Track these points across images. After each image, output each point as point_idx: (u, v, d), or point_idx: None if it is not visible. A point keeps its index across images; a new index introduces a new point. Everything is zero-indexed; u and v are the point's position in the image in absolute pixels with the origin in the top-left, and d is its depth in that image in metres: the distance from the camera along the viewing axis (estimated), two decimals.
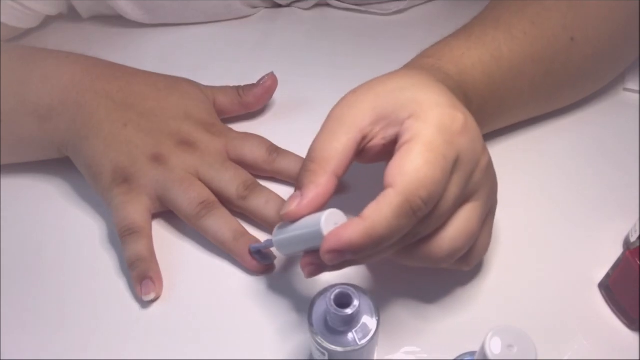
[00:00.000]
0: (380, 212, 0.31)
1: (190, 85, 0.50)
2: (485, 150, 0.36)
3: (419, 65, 0.42)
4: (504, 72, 0.43)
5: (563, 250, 0.43)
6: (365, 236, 0.31)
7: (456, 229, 0.35)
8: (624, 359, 0.38)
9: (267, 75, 0.51)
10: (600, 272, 0.41)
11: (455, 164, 0.33)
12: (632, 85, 0.52)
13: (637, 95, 0.52)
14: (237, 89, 0.51)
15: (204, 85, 0.51)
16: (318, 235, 0.33)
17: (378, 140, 0.35)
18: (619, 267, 0.38)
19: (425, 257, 0.35)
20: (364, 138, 0.35)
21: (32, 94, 0.45)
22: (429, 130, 0.33)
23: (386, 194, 0.32)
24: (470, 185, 0.35)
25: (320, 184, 0.34)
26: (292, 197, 0.35)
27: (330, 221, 0.33)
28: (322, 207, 0.34)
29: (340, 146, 0.35)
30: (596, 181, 0.47)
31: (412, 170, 0.32)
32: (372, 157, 0.36)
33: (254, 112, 0.52)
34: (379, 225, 0.31)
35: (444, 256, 0.35)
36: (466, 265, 0.38)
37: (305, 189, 0.34)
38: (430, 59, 0.42)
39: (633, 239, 0.41)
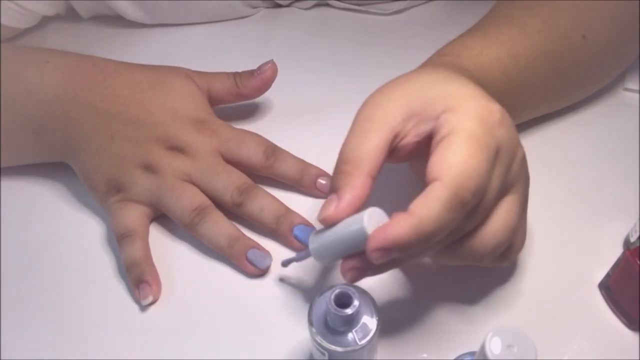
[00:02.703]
0: (429, 206, 0.31)
1: (179, 77, 0.47)
2: (520, 143, 0.35)
3: (438, 63, 0.41)
4: (520, 70, 0.43)
5: (563, 250, 0.43)
6: (414, 232, 0.30)
7: (498, 223, 0.34)
8: (624, 359, 0.38)
9: (267, 64, 0.48)
10: (600, 272, 0.41)
11: (497, 155, 0.33)
12: (632, 85, 0.52)
13: (637, 95, 0.52)
14: (235, 77, 0.48)
15: (197, 73, 0.48)
16: (361, 235, 0.32)
17: (411, 138, 0.35)
18: (619, 267, 0.38)
19: (469, 253, 0.34)
20: (396, 136, 0.35)
21: (20, 110, 0.45)
22: (469, 122, 0.32)
23: (434, 188, 0.31)
24: (509, 177, 0.34)
25: (357, 185, 0.33)
26: (328, 201, 0.34)
27: (373, 220, 0.32)
28: (359, 210, 0.33)
29: (373, 146, 0.34)
30: (596, 181, 0.47)
31: (458, 162, 0.31)
32: (405, 156, 0.36)
33: (253, 111, 0.52)
34: (428, 220, 0.31)
35: (488, 251, 0.34)
36: (506, 260, 0.37)
37: (342, 192, 0.34)
38: (448, 57, 0.42)
39: (633, 239, 0.41)
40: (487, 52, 0.42)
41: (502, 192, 0.34)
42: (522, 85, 0.44)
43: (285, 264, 0.40)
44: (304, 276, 0.42)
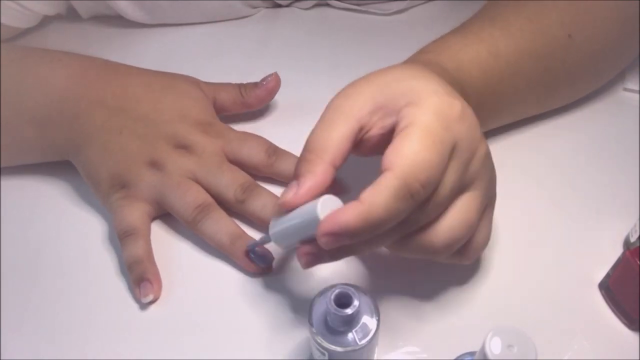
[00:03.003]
0: (378, 195, 0.31)
1: (187, 83, 0.49)
2: (482, 140, 0.36)
3: (416, 60, 0.42)
4: (501, 68, 0.43)
5: (563, 250, 0.43)
6: (362, 219, 0.31)
7: (454, 219, 0.35)
8: (624, 359, 0.38)
9: (270, 75, 0.50)
10: (600, 272, 0.41)
11: (453, 150, 0.33)
12: (632, 85, 0.52)
13: (637, 95, 0.52)
14: (239, 87, 0.50)
15: (204, 82, 0.50)
16: (315, 221, 0.32)
17: (376, 130, 0.35)
18: (619, 267, 0.38)
19: (422, 247, 0.35)
20: (361, 128, 0.35)
21: (28, 103, 0.45)
22: (426, 116, 0.33)
23: (384, 177, 0.32)
24: (468, 174, 0.35)
25: (317, 173, 0.34)
26: (289, 187, 0.35)
27: (327, 207, 0.33)
28: (318, 197, 0.34)
29: (337, 136, 0.35)
30: (596, 181, 0.47)
31: (410, 154, 0.32)
32: (370, 149, 0.36)
33: (255, 110, 0.52)
34: (377, 208, 0.31)
35: (442, 246, 0.35)
36: (465, 258, 0.38)
37: (302, 178, 0.34)
38: (428, 55, 0.42)
39: (633, 239, 0.41)
40: (466, 50, 0.43)
41: (461, 188, 0.35)
42: (504, 82, 0.44)
43: (250, 247, 0.41)
44: (305, 276, 0.42)
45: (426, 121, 0.33)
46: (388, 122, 0.35)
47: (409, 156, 0.32)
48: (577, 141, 0.49)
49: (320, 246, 0.33)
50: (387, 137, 0.35)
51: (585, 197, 0.46)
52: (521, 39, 0.44)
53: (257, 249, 0.42)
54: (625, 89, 0.52)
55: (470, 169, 0.35)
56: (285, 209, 0.35)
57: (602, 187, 0.46)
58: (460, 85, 0.40)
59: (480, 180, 0.35)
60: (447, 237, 0.34)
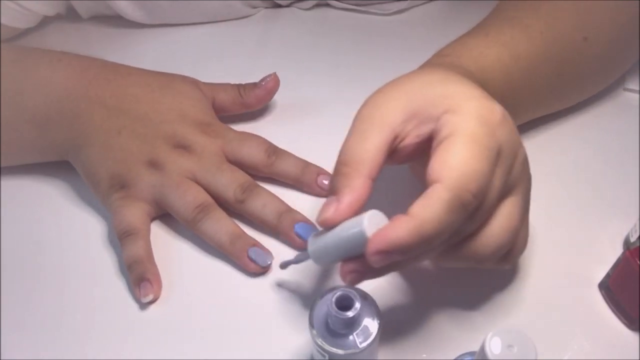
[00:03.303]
0: (430, 208, 0.30)
1: (186, 83, 0.49)
2: (521, 143, 0.35)
3: (438, 63, 0.41)
4: (521, 71, 0.43)
5: (563, 250, 0.43)
6: (414, 234, 0.30)
7: (500, 225, 0.34)
8: (624, 359, 0.38)
9: (270, 75, 0.50)
10: (600, 272, 0.41)
11: (498, 156, 0.33)
12: (632, 85, 0.52)
13: (637, 95, 0.52)
14: (239, 87, 0.50)
15: (203, 83, 0.50)
16: (360, 238, 0.32)
17: (411, 139, 0.34)
18: (619, 267, 0.39)
19: (470, 256, 0.34)
20: (396, 137, 0.34)
21: (28, 102, 0.45)
22: (469, 123, 0.32)
23: (434, 190, 0.31)
24: (511, 178, 0.34)
25: (356, 187, 0.33)
26: (328, 203, 0.34)
27: (373, 223, 0.32)
28: (359, 212, 0.33)
29: (372, 147, 0.34)
30: (596, 181, 0.47)
31: (458, 164, 0.31)
32: (405, 157, 0.36)
33: (255, 111, 0.52)
34: (429, 223, 0.30)
35: (490, 253, 0.34)
36: (508, 262, 0.37)
37: (341, 194, 0.33)
38: (448, 58, 0.41)
39: (633, 239, 0.41)
40: (488, 53, 0.42)
41: (504, 194, 0.34)
42: (523, 86, 0.44)
43: (284, 266, 0.40)
44: (306, 277, 0.42)
45: (470, 128, 0.32)
46: (424, 130, 0.34)
47: (457, 167, 0.31)
48: (577, 141, 0.49)
49: (366, 263, 0.32)
50: (423, 145, 0.34)
51: (586, 197, 0.46)
52: (540, 42, 0.43)
53: (258, 248, 0.42)
54: (626, 89, 0.52)
55: (513, 173, 0.34)
56: (326, 226, 0.34)
57: (602, 187, 0.46)
58: (484, 88, 0.39)
59: (521, 184, 0.35)
60: (495, 244, 0.34)
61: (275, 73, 0.50)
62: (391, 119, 0.34)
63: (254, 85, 0.50)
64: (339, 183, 0.34)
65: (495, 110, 0.33)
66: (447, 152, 0.32)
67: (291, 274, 0.42)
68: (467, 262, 0.35)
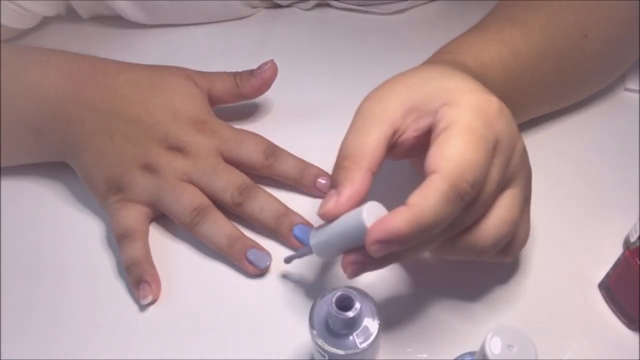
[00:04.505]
0: (427, 198, 0.31)
1: (179, 78, 0.47)
2: (520, 135, 0.35)
3: (438, 60, 0.41)
4: (522, 68, 0.43)
5: (563, 250, 0.43)
6: (413, 224, 0.30)
7: (499, 217, 0.34)
8: (624, 359, 0.38)
9: (267, 63, 0.48)
10: (600, 272, 0.41)
11: (495, 147, 0.33)
12: (632, 85, 0.52)
13: (638, 95, 0.52)
14: (235, 77, 0.49)
15: (197, 74, 0.48)
16: (360, 229, 0.32)
17: (411, 133, 0.35)
18: (619, 267, 0.39)
19: (469, 247, 0.34)
20: (395, 132, 0.35)
21: (21, 108, 0.45)
22: (466, 115, 0.32)
23: (432, 180, 0.31)
24: (509, 170, 0.34)
25: (356, 180, 0.33)
26: (328, 196, 0.34)
27: (372, 214, 0.32)
28: (359, 205, 0.33)
29: (372, 141, 0.34)
30: (596, 181, 0.47)
31: (455, 154, 0.31)
32: (405, 152, 0.36)
33: (254, 111, 0.52)
34: (427, 212, 0.31)
35: (489, 245, 0.34)
36: (509, 256, 0.37)
37: (342, 187, 0.34)
38: (448, 55, 0.42)
39: (633, 239, 0.41)
40: (488, 50, 0.42)
41: (503, 185, 0.34)
42: (524, 82, 0.44)
43: (288, 260, 0.40)
44: (306, 277, 0.42)
45: (467, 120, 0.32)
46: (423, 124, 0.34)
47: (454, 157, 0.31)
48: (578, 141, 0.49)
49: (366, 254, 0.32)
50: (422, 139, 0.34)
51: (586, 196, 0.46)
52: (541, 39, 0.44)
53: (257, 250, 0.42)
54: (626, 89, 0.52)
55: (511, 165, 0.34)
56: (327, 219, 0.34)
57: (602, 187, 0.46)
58: (484, 84, 0.39)
59: (520, 176, 0.35)
60: (494, 235, 0.34)
61: (272, 60, 0.49)
62: (390, 114, 0.35)
63: (251, 73, 0.48)
64: (340, 176, 0.34)
65: (492, 102, 0.34)
66: (444, 143, 0.32)
67: (291, 274, 0.42)
68: (466, 254, 0.35)
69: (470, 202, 0.32)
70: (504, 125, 0.34)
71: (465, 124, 0.32)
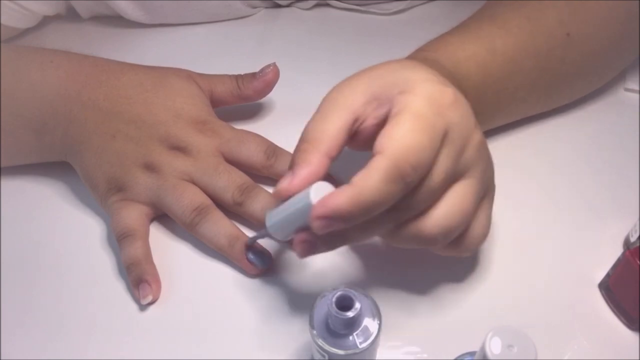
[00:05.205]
0: (369, 177, 0.31)
1: (181, 79, 0.47)
2: (477, 129, 0.36)
3: (413, 57, 0.42)
4: (499, 66, 0.43)
5: (563, 250, 0.43)
6: (353, 201, 0.31)
7: (448, 206, 0.34)
8: (624, 359, 0.38)
9: (269, 66, 0.49)
10: (600, 272, 0.41)
11: (445, 136, 0.33)
12: (632, 85, 0.52)
13: (638, 95, 0.52)
14: (237, 79, 0.49)
15: (200, 75, 0.49)
16: (308, 207, 0.32)
17: (370, 121, 0.36)
18: (619, 267, 0.39)
19: (416, 235, 0.35)
20: (356, 119, 0.36)
21: (23, 108, 0.45)
22: (417, 102, 0.33)
23: (374, 160, 0.32)
24: (461, 161, 0.35)
25: (312, 162, 0.34)
26: (284, 177, 0.35)
27: (320, 192, 0.33)
28: None
29: (332, 127, 0.35)
30: (596, 181, 0.47)
31: (400, 137, 0.32)
32: (365, 141, 0.36)
33: (254, 111, 0.52)
34: (367, 191, 0.31)
35: (436, 234, 0.34)
36: (463, 250, 0.37)
37: (297, 167, 0.34)
38: (425, 53, 0.43)
39: (633, 239, 0.41)
40: (464, 48, 0.43)
41: (455, 176, 0.35)
42: (503, 80, 0.44)
43: (250, 242, 0.41)
44: (306, 277, 0.42)
45: (417, 106, 0.33)
46: (381, 111, 0.35)
47: (399, 139, 0.32)
48: (578, 141, 0.49)
49: (315, 234, 0.33)
50: (382, 127, 0.35)
51: (585, 197, 0.46)
52: (519, 37, 0.44)
53: (256, 247, 0.42)
54: (626, 89, 0.52)
55: (465, 157, 0.35)
56: (280, 197, 0.35)
57: (602, 187, 0.46)
58: (457, 82, 0.40)
59: (476, 168, 0.35)
60: (441, 224, 0.34)
61: (275, 63, 0.49)
62: (351, 102, 0.35)
63: (253, 76, 0.49)
64: (297, 158, 0.35)
65: (446, 93, 0.34)
66: (392, 126, 0.33)
67: (291, 275, 0.42)
68: (413, 242, 0.35)
69: (413, 186, 0.33)
70: (457, 116, 0.34)
71: (415, 110, 0.33)
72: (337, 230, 0.33)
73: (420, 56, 0.42)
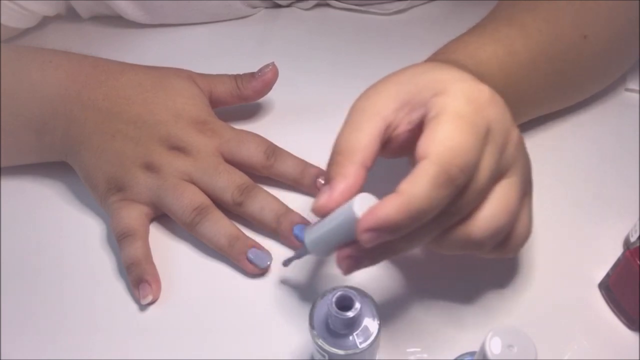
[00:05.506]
0: (417, 184, 0.30)
1: (181, 79, 0.47)
2: (514, 126, 0.35)
3: (434, 60, 0.41)
4: (519, 67, 0.43)
5: (563, 250, 0.43)
6: (403, 210, 0.30)
7: (494, 206, 0.33)
8: (623, 359, 0.38)
9: (268, 66, 0.49)
10: (600, 272, 0.41)
11: (487, 134, 0.32)
12: (633, 85, 0.52)
13: (638, 95, 0.52)
14: (236, 79, 0.49)
15: (199, 75, 0.49)
16: (352, 221, 0.31)
17: (404, 127, 0.35)
18: (619, 267, 0.39)
19: (464, 239, 0.33)
20: (388, 126, 0.35)
21: (23, 108, 0.45)
22: (456, 102, 0.32)
23: (421, 166, 0.31)
24: (504, 159, 0.34)
25: (349, 175, 0.33)
26: (321, 192, 0.34)
27: (363, 205, 0.32)
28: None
29: (365, 136, 0.34)
30: (596, 181, 0.47)
31: (444, 139, 0.31)
32: (399, 147, 0.36)
33: (254, 111, 0.52)
34: (417, 198, 0.30)
35: (484, 236, 0.33)
36: (508, 251, 0.36)
37: (334, 182, 0.33)
38: (444, 55, 0.42)
39: (633, 239, 0.41)
40: (484, 49, 0.42)
41: (498, 175, 0.34)
42: (522, 82, 0.44)
43: (286, 263, 0.39)
44: (306, 277, 0.42)
45: (456, 107, 0.32)
46: (415, 116, 0.34)
47: (443, 142, 0.31)
48: (578, 141, 0.49)
49: (360, 248, 0.32)
50: (416, 133, 0.34)
51: (586, 196, 0.46)
52: (539, 39, 0.44)
53: (257, 249, 0.42)
54: (627, 89, 0.52)
55: (506, 154, 0.34)
56: (320, 214, 0.34)
57: (602, 187, 0.46)
58: (481, 79, 0.39)
59: (517, 166, 0.35)
60: (489, 226, 0.33)
61: (273, 63, 0.49)
62: (381, 108, 0.35)
63: (252, 76, 0.49)
64: (332, 172, 0.34)
65: (483, 90, 0.33)
66: (434, 130, 0.32)
67: (291, 274, 0.42)
68: (461, 247, 0.34)
69: (462, 188, 0.32)
70: (496, 113, 0.33)
71: (454, 110, 0.32)
72: (383, 242, 0.31)
73: (441, 58, 0.41)
